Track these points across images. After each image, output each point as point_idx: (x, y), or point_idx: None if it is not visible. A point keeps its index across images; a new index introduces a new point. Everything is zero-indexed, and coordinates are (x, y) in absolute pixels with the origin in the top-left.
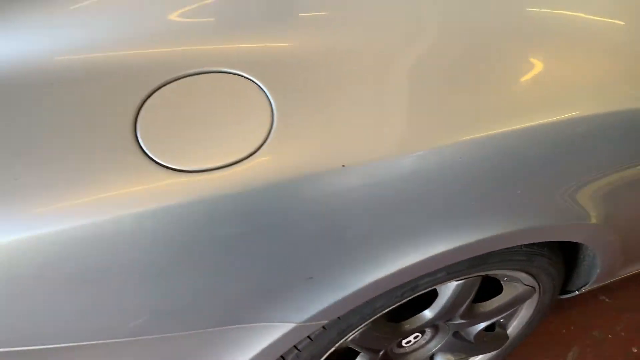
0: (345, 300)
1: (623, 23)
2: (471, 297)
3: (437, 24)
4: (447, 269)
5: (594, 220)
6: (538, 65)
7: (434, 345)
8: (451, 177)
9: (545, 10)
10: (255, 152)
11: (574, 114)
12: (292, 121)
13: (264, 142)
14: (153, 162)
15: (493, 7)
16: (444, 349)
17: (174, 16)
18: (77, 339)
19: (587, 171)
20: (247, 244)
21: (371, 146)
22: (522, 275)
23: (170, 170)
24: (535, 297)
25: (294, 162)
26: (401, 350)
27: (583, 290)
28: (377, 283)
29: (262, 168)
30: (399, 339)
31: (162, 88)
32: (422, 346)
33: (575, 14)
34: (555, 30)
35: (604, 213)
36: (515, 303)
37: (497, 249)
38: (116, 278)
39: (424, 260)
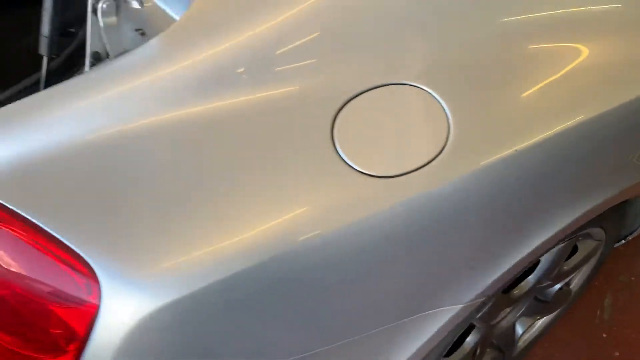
0: (502, 275)
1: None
2: (564, 259)
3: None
4: None
5: None
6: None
7: (517, 311)
8: (589, 147)
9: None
10: (442, 151)
11: None
12: (465, 120)
13: (446, 142)
14: (358, 172)
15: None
16: (524, 314)
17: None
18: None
19: None
20: (441, 235)
21: (533, 127)
22: (596, 231)
23: (375, 178)
24: (599, 251)
25: (476, 154)
26: (494, 321)
27: (629, 238)
28: (527, 256)
29: (450, 165)
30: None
31: (350, 102)
32: (509, 313)
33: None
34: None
35: None
36: (588, 258)
37: (608, 207)
38: (331, 287)
39: (563, 228)
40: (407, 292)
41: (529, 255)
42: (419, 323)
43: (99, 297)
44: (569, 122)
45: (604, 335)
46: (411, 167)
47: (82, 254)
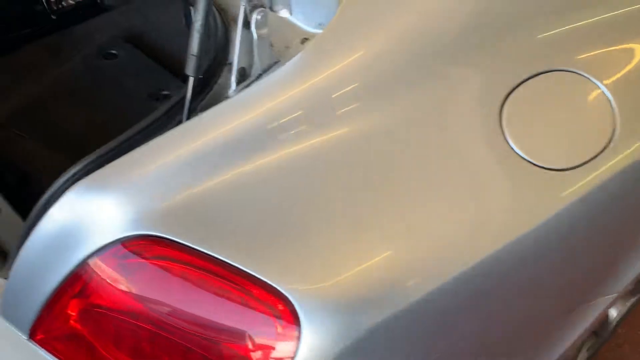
0: None
1: None
2: None
3: None
4: None
5: None
6: None
7: None
8: None
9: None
10: (612, 138)
11: None
12: (626, 104)
13: (614, 129)
14: (538, 167)
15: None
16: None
17: None
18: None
19: None
20: (616, 223)
21: None
22: None
23: (556, 171)
24: None
25: None
26: None
27: None
28: None
29: (621, 153)
30: None
31: (516, 89)
32: None
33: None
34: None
35: None
36: None
37: None
38: (524, 284)
39: None
40: (581, 285)
41: None
42: (582, 313)
43: (298, 329)
44: None
45: None
46: (587, 157)
47: (276, 286)
